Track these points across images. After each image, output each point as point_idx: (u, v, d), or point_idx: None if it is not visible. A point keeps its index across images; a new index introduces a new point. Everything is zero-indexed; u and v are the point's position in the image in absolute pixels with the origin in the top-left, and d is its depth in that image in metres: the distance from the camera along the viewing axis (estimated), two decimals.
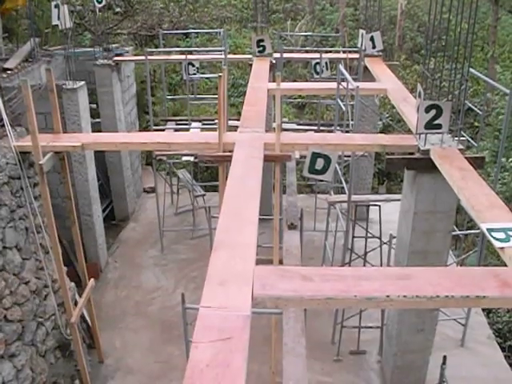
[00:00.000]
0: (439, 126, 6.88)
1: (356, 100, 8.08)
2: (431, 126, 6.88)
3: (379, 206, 9.29)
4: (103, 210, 12.73)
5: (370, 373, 9.28)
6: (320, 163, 7.09)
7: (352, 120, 9.01)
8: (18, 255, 7.25)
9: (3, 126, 7.56)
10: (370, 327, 9.48)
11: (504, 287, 4.04)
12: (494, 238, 4.80)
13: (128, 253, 12.69)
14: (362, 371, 9.30)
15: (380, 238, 9.23)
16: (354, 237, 9.17)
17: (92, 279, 9.27)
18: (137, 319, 10.55)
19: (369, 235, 9.32)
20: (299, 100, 17.87)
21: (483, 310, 10.79)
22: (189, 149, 9.69)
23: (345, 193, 9.17)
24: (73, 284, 9.06)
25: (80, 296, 9.07)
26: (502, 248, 4.69)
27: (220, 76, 7.04)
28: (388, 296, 3.95)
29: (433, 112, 6.81)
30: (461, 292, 3.99)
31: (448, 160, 6.54)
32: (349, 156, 9.92)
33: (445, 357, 6.62)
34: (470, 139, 7.50)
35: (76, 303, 8.78)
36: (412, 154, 7.20)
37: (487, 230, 4.94)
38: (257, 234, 4.89)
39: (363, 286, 4.05)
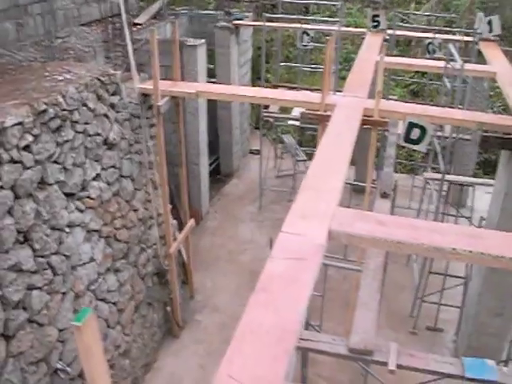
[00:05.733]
0: None
1: (469, 83, 7.86)
2: None
3: (473, 187, 9.24)
4: (210, 165, 13.58)
5: (443, 350, 9.36)
6: (415, 133, 7.16)
7: (461, 104, 8.89)
8: (130, 184, 8.12)
9: (129, 70, 8.40)
10: (450, 306, 9.53)
11: None
12: None
13: (228, 206, 13.49)
14: (436, 347, 9.38)
15: (469, 218, 9.21)
16: (443, 214, 9.23)
17: (192, 219, 10.05)
18: (228, 265, 11.33)
19: (459, 215, 9.33)
20: (413, 86, 17.69)
21: None
22: (293, 105, 10.07)
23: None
24: (175, 221, 9.89)
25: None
26: None
27: (329, 39, 7.37)
28: (454, 249, 4.14)
29: None
30: None
31: None
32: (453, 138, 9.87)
33: None
34: None
35: (175, 239, 9.61)
36: (509, 134, 7.19)
37: None
38: (343, 182, 5.23)
39: (433, 238, 4.28)
